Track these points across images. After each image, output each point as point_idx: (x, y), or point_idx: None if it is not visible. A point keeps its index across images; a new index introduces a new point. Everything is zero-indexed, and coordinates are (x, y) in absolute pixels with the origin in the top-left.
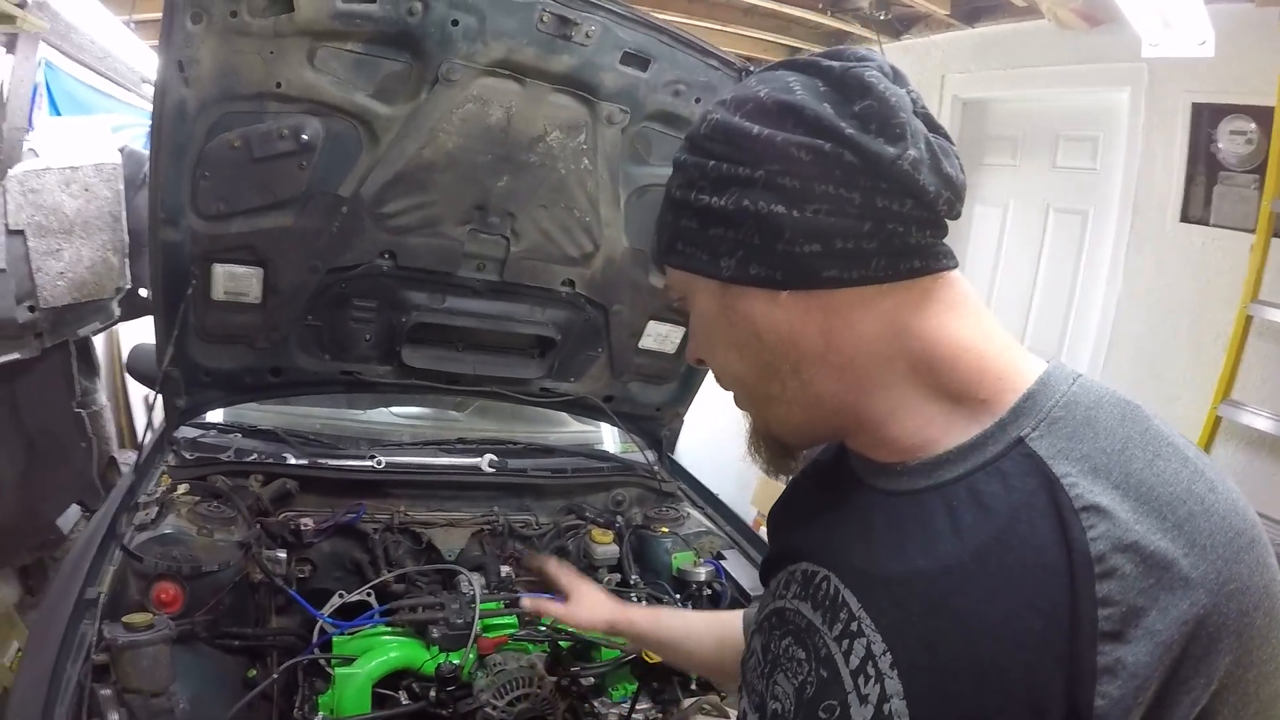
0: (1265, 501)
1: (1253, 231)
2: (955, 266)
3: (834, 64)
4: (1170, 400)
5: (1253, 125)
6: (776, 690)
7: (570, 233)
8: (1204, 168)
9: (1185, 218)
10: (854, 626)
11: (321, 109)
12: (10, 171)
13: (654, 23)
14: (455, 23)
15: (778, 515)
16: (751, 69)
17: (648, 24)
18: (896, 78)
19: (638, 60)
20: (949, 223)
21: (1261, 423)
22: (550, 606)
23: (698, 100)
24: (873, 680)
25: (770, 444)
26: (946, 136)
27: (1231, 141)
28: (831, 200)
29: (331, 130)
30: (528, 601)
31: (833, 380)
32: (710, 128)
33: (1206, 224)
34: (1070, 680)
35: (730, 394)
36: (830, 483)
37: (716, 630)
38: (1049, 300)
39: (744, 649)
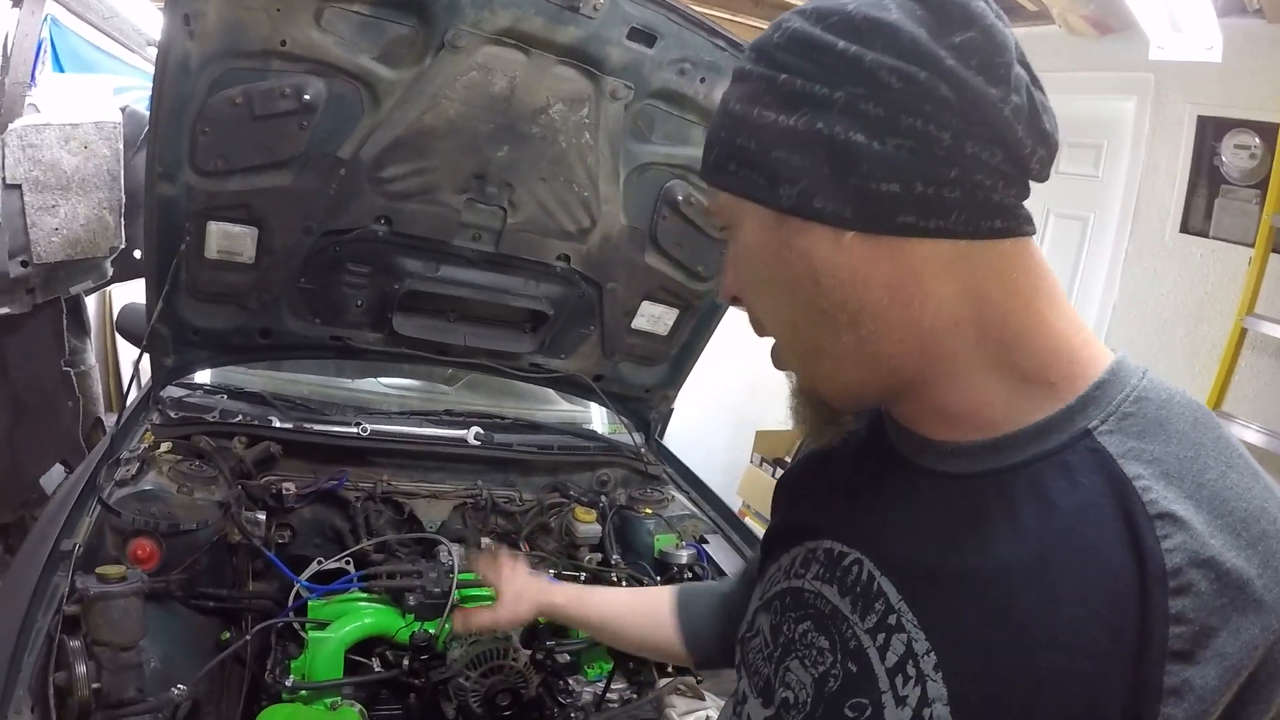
0: None
1: (1252, 245)
2: (1034, 233)
3: None
4: None
5: (1257, 140)
6: (789, 678)
7: (568, 207)
8: (1206, 180)
9: (1185, 229)
10: (892, 620)
11: (325, 69)
12: (10, 126)
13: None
14: None
15: (791, 484)
16: None
17: (658, 0)
18: (1000, 16)
19: (644, 36)
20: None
21: (1251, 435)
22: (477, 617)
23: (702, 80)
24: (913, 681)
25: (816, 406)
26: (1044, 91)
27: (1235, 155)
28: (918, 136)
29: (334, 91)
30: (457, 618)
31: (893, 339)
32: (786, 37)
33: (1206, 236)
34: (1133, 698)
35: (770, 343)
36: (864, 454)
37: (643, 608)
38: None
39: (744, 626)
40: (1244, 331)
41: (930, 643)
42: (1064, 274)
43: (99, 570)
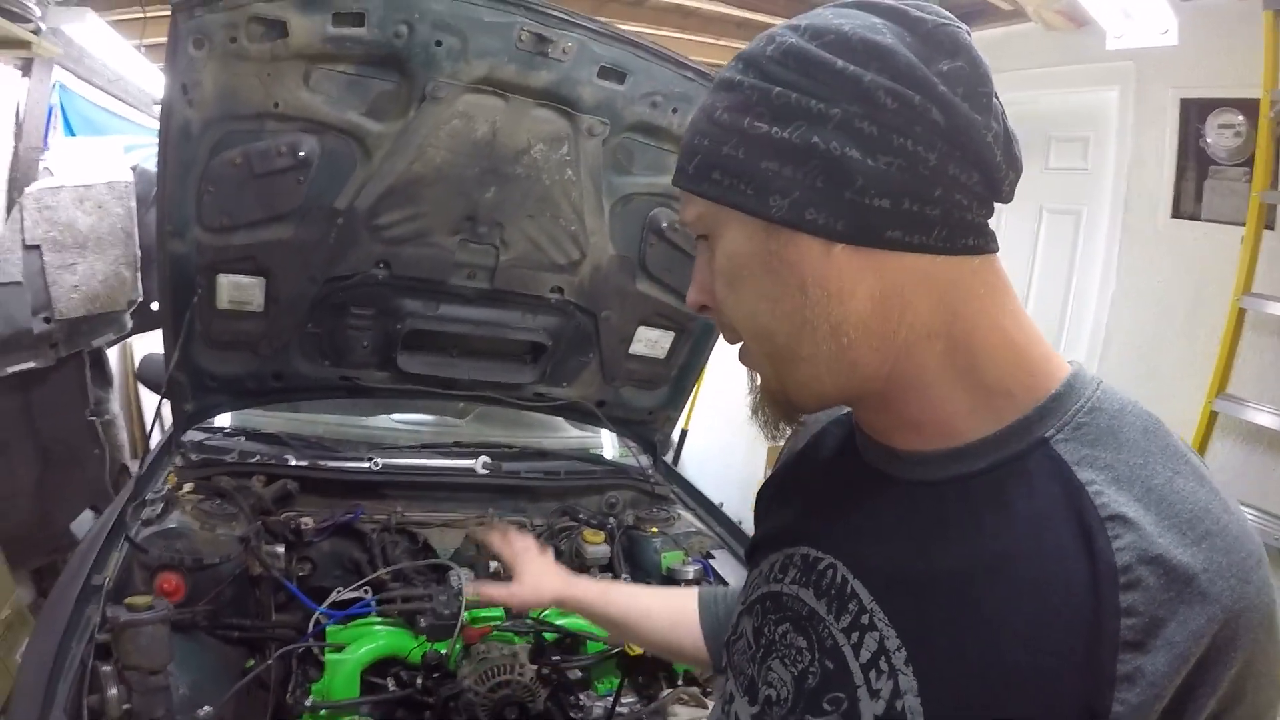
0: (1264, 496)
1: (1244, 224)
2: (999, 250)
3: (925, 16)
4: (1166, 396)
5: (1240, 118)
6: (771, 677)
7: (557, 241)
8: (1194, 162)
9: (1177, 213)
10: (865, 619)
11: (317, 127)
12: (27, 189)
13: (628, 37)
14: (439, 43)
15: (771, 494)
16: None
17: (622, 39)
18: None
19: (614, 74)
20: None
21: (1259, 417)
22: (492, 590)
23: (675, 110)
24: (885, 675)
25: (778, 405)
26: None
27: (1220, 135)
28: (907, 156)
29: (327, 146)
30: (469, 587)
31: (871, 349)
32: (781, 51)
33: (1198, 219)
34: (1090, 687)
35: (739, 346)
36: (836, 465)
37: (669, 609)
38: (1044, 300)
39: (729, 630)
40: (1242, 311)
41: (900, 640)
42: (1060, 268)
43: (128, 600)
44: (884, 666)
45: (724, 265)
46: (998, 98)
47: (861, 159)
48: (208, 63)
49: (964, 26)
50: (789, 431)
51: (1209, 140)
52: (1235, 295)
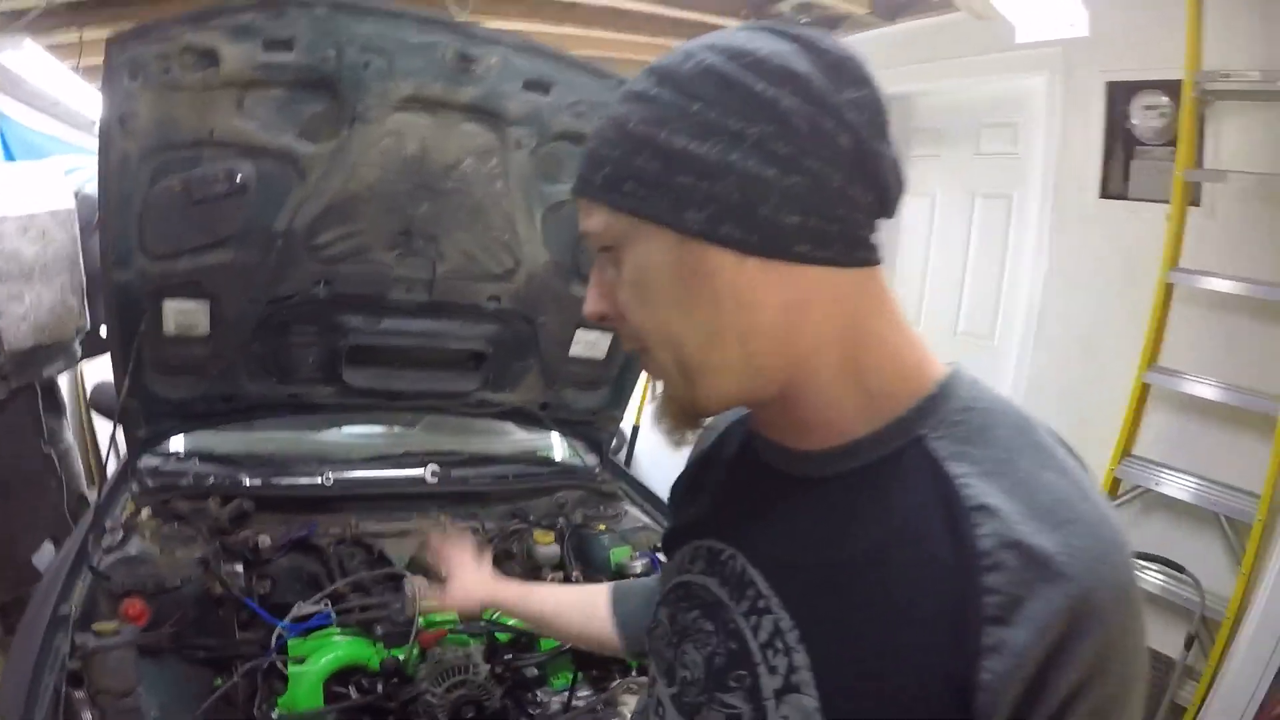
0: (1198, 462)
1: (1169, 202)
2: (883, 263)
3: (830, 47)
4: (1103, 372)
5: (1165, 99)
6: (685, 659)
7: (491, 251)
8: (1121, 144)
9: (1105, 194)
10: (762, 604)
11: (253, 151)
12: None
13: (548, 50)
14: (367, 65)
15: (681, 491)
16: None
17: (543, 51)
18: None
19: (539, 85)
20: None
21: (1190, 386)
22: (426, 600)
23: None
24: (781, 653)
25: (682, 413)
26: None
27: (1145, 116)
28: (815, 176)
29: (263, 170)
30: (407, 593)
31: (775, 356)
32: (700, 70)
33: (1126, 198)
34: (960, 657)
35: (641, 354)
36: (736, 464)
37: (581, 604)
38: (980, 284)
39: (650, 620)
40: (1170, 286)
41: (794, 621)
42: (994, 252)
43: (95, 627)
44: (779, 645)
45: (634, 276)
46: (892, 124)
47: (775, 178)
48: (143, 93)
49: (864, 57)
50: (692, 436)
51: (1135, 122)
52: (1163, 271)
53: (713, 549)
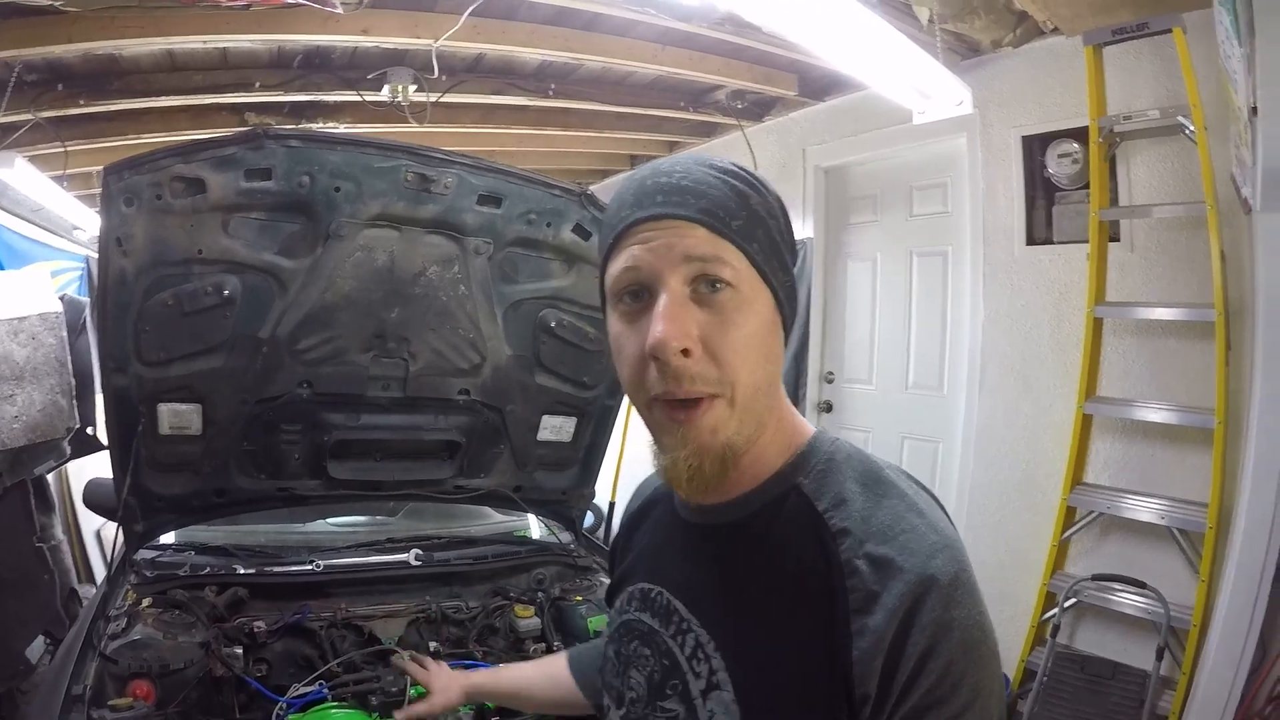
0: (1150, 482)
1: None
2: None
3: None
4: (1045, 408)
5: (1076, 145)
6: (631, 683)
7: (458, 349)
8: (1041, 191)
9: (1031, 240)
10: (684, 626)
11: (238, 267)
12: None
13: (500, 167)
14: (338, 189)
15: (620, 546)
16: (588, 191)
17: (495, 169)
18: None
19: (491, 199)
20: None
21: (1128, 411)
22: (415, 708)
23: (548, 225)
24: (703, 661)
25: (721, 461)
26: None
27: (1060, 164)
28: (793, 254)
29: (248, 284)
30: (399, 715)
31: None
32: (775, 197)
33: (1051, 243)
34: (835, 643)
35: (696, 401)
36: (660, 519)
37: (544, 673)
38: (924, 338)
39: (601, 661)
40: (1098, 320)
41: (709, 635)
42: (934, 305)
43: (111, 703)
44: (701, 655)
45: (744, 322)
46: None
47: (789, 261)
48: (138, 217)
49: None
50: (708, 483)
51: (1051, 170)
52: (1089, 307)
53: (644, 590)
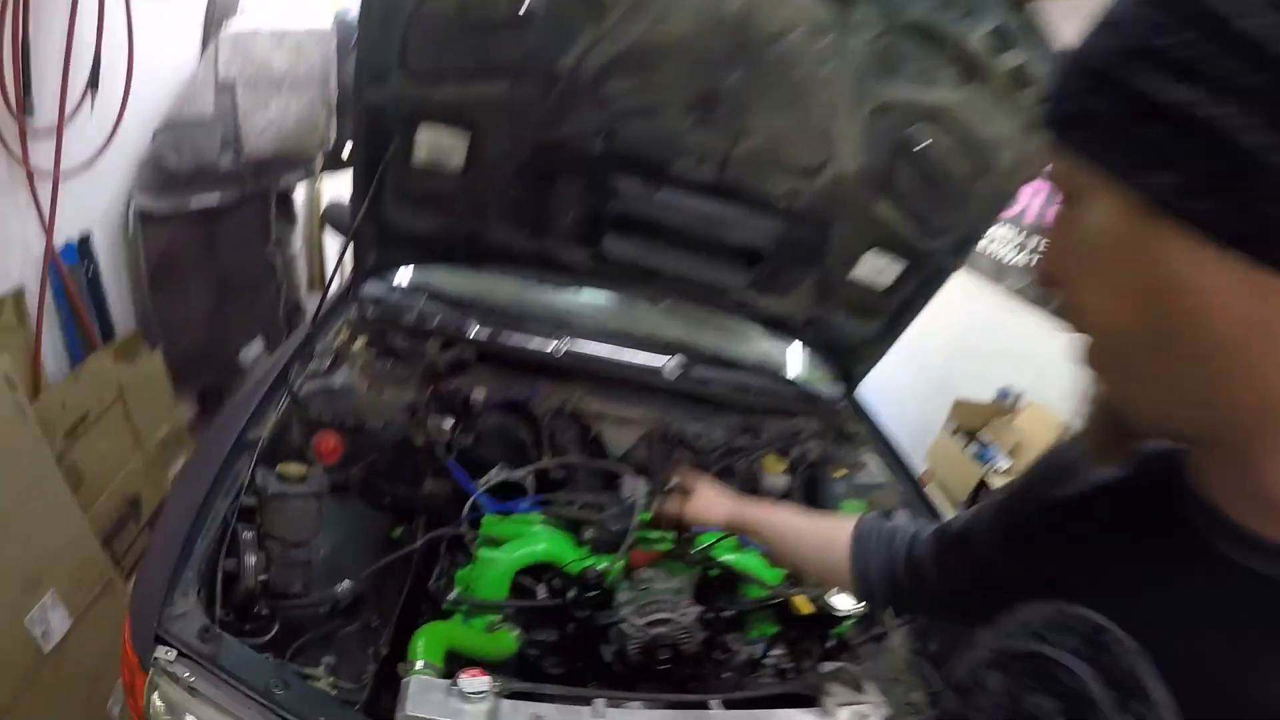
0: None
1: None
2: None
3: None
4: None
5: None
6: None
7: (801, 140)
8: None
9: None
10: None
11: None
12: (224, 28)
13: None
14: None
15: (1029, 526)
16: None
17: None
18: None
19: None
20: None
21: None
22: (668, 505)
23: (966, 15)
24: None
25: (1113, 423)
26: None
27: None
28: None
29: (554, 1)
30: (626, 494)
31: (1237, 386)
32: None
33: None
34: None
35: (1080, 341)
36: (1138, 515)
37: (820, 533)
38: None
39: (960, 670)
40: None
41: None
42: None
43: (280, 469)
44: None
45: (1077, 238)
46: None
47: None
48: None
49: None
50: (1117, 458)
51: None
52: None
53: (1095, 625)
